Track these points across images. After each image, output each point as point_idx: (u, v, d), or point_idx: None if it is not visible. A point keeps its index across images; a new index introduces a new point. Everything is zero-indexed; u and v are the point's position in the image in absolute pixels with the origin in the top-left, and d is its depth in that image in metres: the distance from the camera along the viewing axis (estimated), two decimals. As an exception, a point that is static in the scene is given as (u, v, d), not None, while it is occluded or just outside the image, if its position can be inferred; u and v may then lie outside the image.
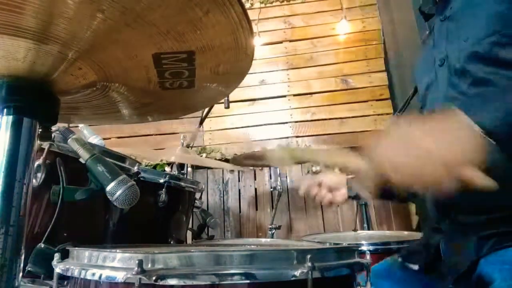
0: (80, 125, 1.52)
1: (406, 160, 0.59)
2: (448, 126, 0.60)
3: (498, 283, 0.69)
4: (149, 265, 0.53)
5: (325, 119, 3.14)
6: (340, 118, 3.12)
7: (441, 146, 0.57)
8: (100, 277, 0.55)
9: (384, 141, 0.64)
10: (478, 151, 0.56)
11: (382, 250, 1.33)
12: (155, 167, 3.05)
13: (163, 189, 1.13)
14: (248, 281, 0.52)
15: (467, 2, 0.87)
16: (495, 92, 0.68)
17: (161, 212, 1.16)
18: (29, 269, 0.78)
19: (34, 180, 0.82)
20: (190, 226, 1.60)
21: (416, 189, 0.61)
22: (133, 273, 0.50)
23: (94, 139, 1.44)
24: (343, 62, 3.25)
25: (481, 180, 0.56)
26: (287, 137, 3.14)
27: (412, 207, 2.78)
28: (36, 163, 0.83)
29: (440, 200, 0.90)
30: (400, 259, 0.97)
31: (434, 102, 0.92)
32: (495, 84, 0.76)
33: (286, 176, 3.04)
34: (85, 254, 0.62)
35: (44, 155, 0.85)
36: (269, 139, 3.15)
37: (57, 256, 0.65)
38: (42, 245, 0.81)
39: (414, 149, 0.59)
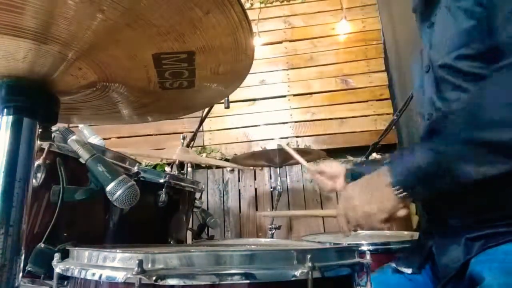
0: (80, 125, 1.51)
1: (352, 212, 0.86)
2: (376, 186, 0.83)
3: (488, 281, 0.70)
4: (149, 265, 0.53)
5: (325, 119, 3.14)
6: (340, 118, 3.12)
7: (372, 204, 0.82)
8: (100, 277, 0.55)
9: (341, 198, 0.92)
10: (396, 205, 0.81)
11: (382, 250, 1.33)
12: (155, 167, 3.05)
13: (163, 189, 1.13)
14: (248, 281, 0.52)
15: (445, 13, 0.88)
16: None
17: (161, 212, 1.16)
18: (29, 269, 0.78)
19: (34, 180, 0.82)
20: (190, 226, 1.60)
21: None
22: (133, 273, 0.50)
23: (94, 139, 1.44)
24: (343, 62, 3.25)
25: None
26: (287, 137, 3.15)
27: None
28: (36, 163, 0.83)
29: (431, 204, 0.91)
30: (393, 265, 0.98)
31: (424, 107, 0.95)
32: (469, 90, 0.81)
33: (286, 176, 3.04)
34: (85, 254, 0.62)
35: (44, 155, 0.85)
36: (269, 139, 3.15)
37: (57, 256, 0.65)
38: (42, 245, 0.81)
39: (355, 206, 0.85)
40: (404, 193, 0.78)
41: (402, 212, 0.81)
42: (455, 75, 0.83)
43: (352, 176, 1.21)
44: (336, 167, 1.23)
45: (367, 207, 0.82)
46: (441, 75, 0.86)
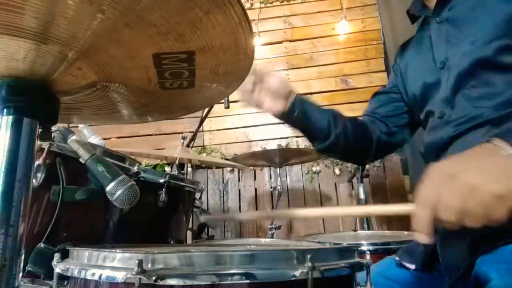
0: (80, 125, 1.52)
1: (452, 198, 0.58)
2: (491, 157, 0.59)
3: (495, 282, 0.69)
4: (149, 265, 0.53)
5: (325, 119, 3.14)
6: (340, 118, 3.12)
7: (487, 178, 0.57)
8: (100, 277, 0.55)
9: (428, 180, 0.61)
10: None
11: (382, 250, 1.33)
12: (155, 167, 3.05)
13: (163, 189, 1.13)
14: (248, 281, 0.52)
15: (473, 4, 0.85)
16: None
17: (161, 212, 1.16)
18: (29, 269, 0.78)
19: (34, 180, 0.82)
20: (190, 226, 1.60)
21: (467, 224, 0.59)
22: (133, 273, 0.50)
23: (94, 139, 1.44)
24: (343, 62, 3.25)
25: None
26: (287, 137, 3.15)
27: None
28: (36, 163, 0.83)
29: None
30: (397, 259, 0.97)
31: (435, 104, 0.92)
32: (497, 86, 0.76)
33: (286, 176, 3.04)
34: (85, 254, 0.62)
35: (44, 155, 0.85)
36: (269, 139, 3.15)
37: (57, 256, 0.65)
38: (42, 245, 0.81)
39: (457, 186, 0.58)
40: None
41: None
42: (492, 69, 0.77)
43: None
44: (284, 83, 1.06)
45: (496, 186, 0.55)
46: (469, 70, 0.82)
